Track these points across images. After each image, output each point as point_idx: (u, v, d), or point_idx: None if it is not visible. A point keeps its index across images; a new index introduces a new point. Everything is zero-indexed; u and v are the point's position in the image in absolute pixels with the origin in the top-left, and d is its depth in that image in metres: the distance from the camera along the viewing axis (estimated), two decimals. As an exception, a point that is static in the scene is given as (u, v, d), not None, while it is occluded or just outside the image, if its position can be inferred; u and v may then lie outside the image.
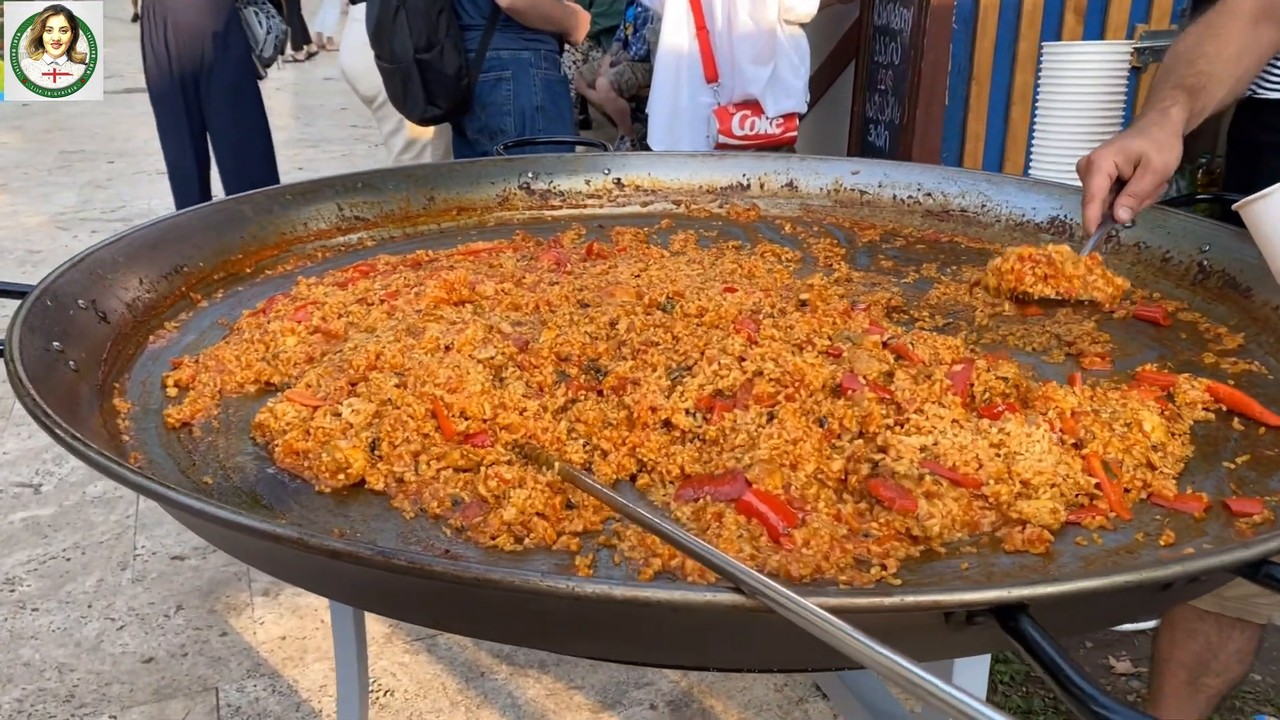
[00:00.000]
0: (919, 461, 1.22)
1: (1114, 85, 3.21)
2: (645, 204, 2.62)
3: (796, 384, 1.34)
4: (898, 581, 1.08)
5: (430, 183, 2.43)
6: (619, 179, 2.62)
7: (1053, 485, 1.21)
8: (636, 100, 7.69)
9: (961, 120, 4.56)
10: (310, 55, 17.22)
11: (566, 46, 9.60)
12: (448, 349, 1.46)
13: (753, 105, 4.38)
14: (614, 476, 1.29)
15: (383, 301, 1.67)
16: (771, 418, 1.30)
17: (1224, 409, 1.48)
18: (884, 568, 1.10)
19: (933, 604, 0.79)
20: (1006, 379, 1.42)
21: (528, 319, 1.61)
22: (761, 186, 2.63)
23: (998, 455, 1.24)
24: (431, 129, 4.82)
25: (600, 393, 1.41)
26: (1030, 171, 3.08)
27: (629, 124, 8.69)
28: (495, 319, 1.57)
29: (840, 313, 1.51)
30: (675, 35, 4.40)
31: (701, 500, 1.21)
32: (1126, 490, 1.25)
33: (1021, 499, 1.19)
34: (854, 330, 1.48)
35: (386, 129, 5.07)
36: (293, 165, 10.33)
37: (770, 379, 1.34)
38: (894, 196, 2.50)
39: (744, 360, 1.38)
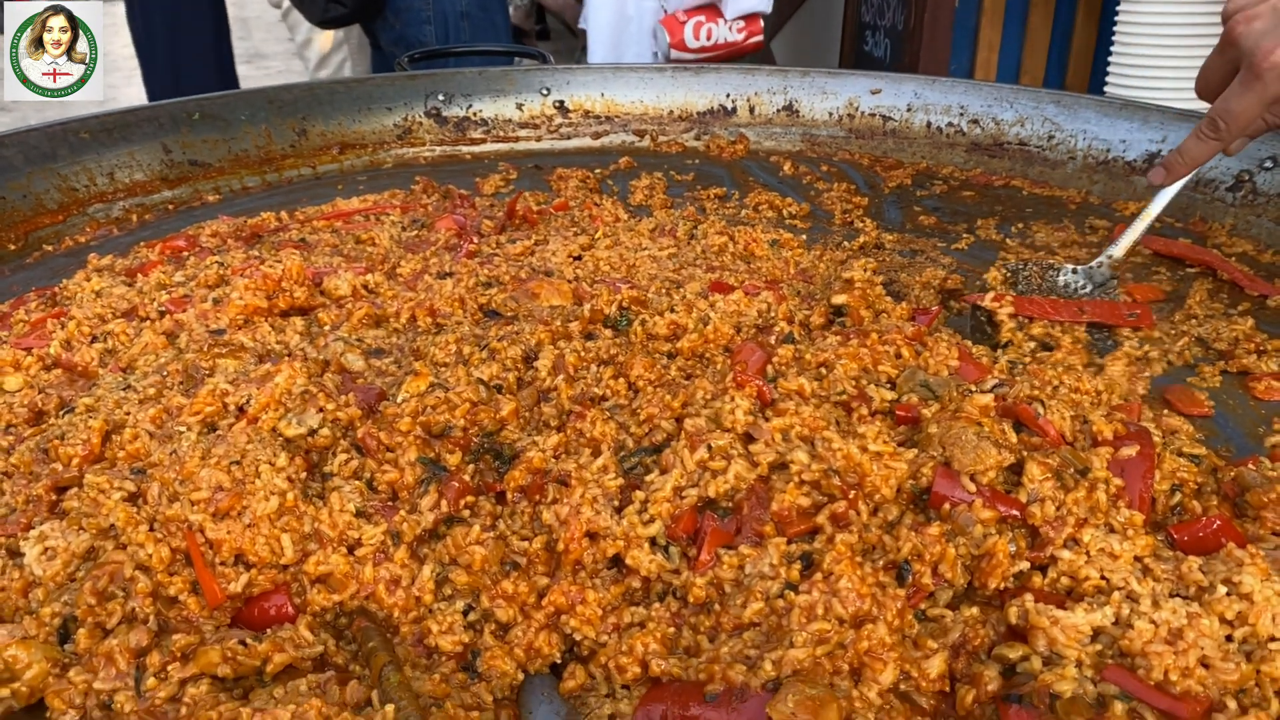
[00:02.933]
0: (1095, 668, 0.64)
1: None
2: (598, 135, 1.98)
3: (850, 491, 0.74)
4: None
5: (300, 110, 1.78)
6: (562, 102, 1.98)
7: (1340, 701, 0.64)
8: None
9: (974, 26, 3.88)
10: (248, -38, 15.94)
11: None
12: (240, 412, 0.85)
13: (707, 9, 3.63)
14: (519, 671, 0.70)
15: (164, 314, 1.04)
16: (809, 564, 0.71)
17: None
18: None
19: None
20: (1198, 459, 0.83)
21: (395, 342, 1.00)
22: (751, 110, 1.99)
23: (1230, 638, 0.66)
24: (344, 37, 4.08)
25: (501, 497, 0.80)
26: (1108, 89, 2.45)
27: (590, 34, 7.91)
28: (337, 345, 0.95)
29: (907, 337, 0.91)
30: (611, -77, 3.61)
31: (682, 751, 0.63)
32: None
33: (1291, 737, 0.62)
34: (935, 368, 0.88)
35: (299, 39, 4.31)
36: (222, 84, 9.41)
37: (803, 480, 0.75)
38: (928, 124, 1.88)
39: (753, 441, 0.79)
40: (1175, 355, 1.18)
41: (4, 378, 0.99)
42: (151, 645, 0.68)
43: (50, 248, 1.42)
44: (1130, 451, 0.77)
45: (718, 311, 0.99)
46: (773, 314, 1.00)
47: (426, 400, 0.84)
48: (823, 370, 0.88)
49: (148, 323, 1.03)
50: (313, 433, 0.82)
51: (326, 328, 1.03)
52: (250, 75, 9.83)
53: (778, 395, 0.83)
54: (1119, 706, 0.61)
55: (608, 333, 0.98)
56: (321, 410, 0.84)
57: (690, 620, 0.71)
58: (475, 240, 1.27)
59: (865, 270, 1.06)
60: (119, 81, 9.54)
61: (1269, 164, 1.49)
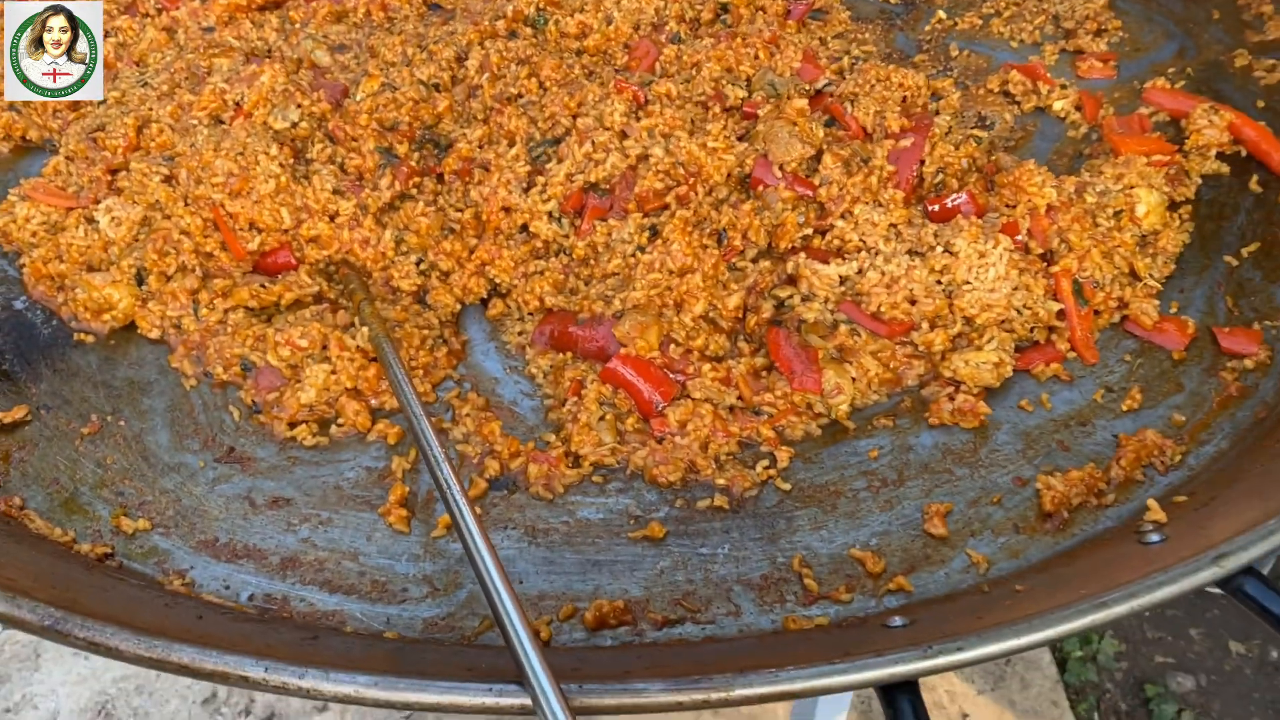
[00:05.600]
0: (835, 302, 0.95)
1: None
2: None
3: (692, 178, 1.01)
4: (786, 486, 0.87)
5: None
6: None
7: (1002, 323, 0.96)
8: None
9: None
10: None
11: None
12: (237, 108, 1.09)
13: None
14: (458, 303, 1.02)
15: (160, 11, 1.24)
16: (655, 233, 0.99)
17: (1243, 153, 1.16)
18: (773, 461, 0.89)
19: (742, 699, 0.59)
20: (980, 140, 1.08)
21: (354, 37, 1.20)
22: None
23: (939, 285, 0.97)
24: None
25: (440, 179, 1.07)
26: None
27: None
28: (307, 44, 1.17)
29: (766, 41, 1.12)
30: None
31: (562, 356, 0.96)
32: (1098, 313, 0.99)
33: (959, 349, 0.94)
34: (780, 71, 1.11)
35: None
36: None
37: (658, 170, 1.01)
38: None
39: (626, 136, 1.04)
40: (1027, 34, 1.37)
41: (39, 68, 1.21)
42: (200, 287, 0.99)
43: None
44: (906, 143, 1.03)
45: (621, 10, 1.19)
46: (668, 12, 1.20)
47: (379, 100, 1.08)
48: (693, 71, 1.11)
49: (148, 19, 1.24)
50: (294, 125, 1.07)
51: (297, 24, 1.23)
52: None
53: (650, 97, 1.07)
54: (843, 328, 0.93)
55: (528, 31, 1.19)
56: (299, 106, 1.08)
57: (574, 271, 1.01)
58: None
59: (752, -32, 1.23)
60: None
61: None
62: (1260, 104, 1.23)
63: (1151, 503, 0.79)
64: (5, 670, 2.30)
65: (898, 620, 0.71)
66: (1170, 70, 1.29)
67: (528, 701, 0.59)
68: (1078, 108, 1.23)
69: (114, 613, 0.65)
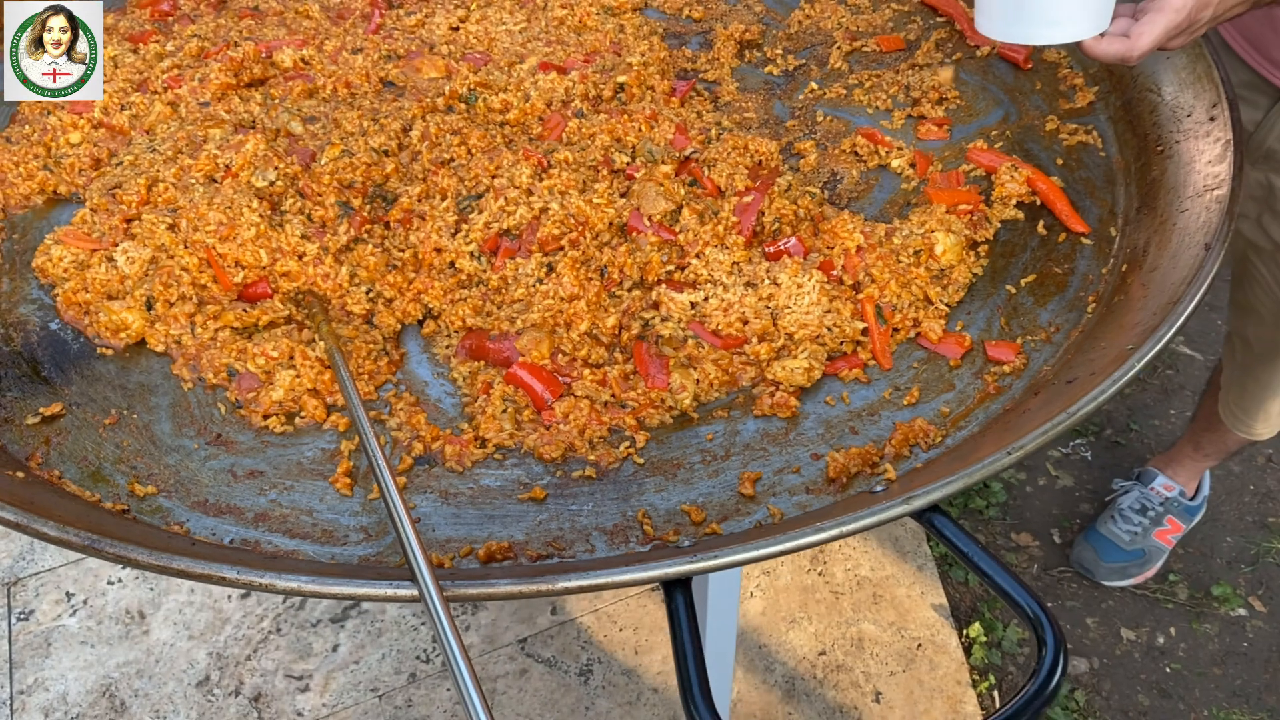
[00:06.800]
0: (686, 322, 1.24)
1: None
2: None
3: (581, 226, 1.30)
4: (641, 460, 1.15)
5: None
6: None
7: (816, 338, 1.24)
8: None
9: None
10: None
11: None
12: (227, 169, 1.38)
13: None
14: (398, 323, 1.30)
15: (166, 89, 1.53)
16: (551, 269, 1.28)
17: (1037, 202, 1.45)
18: (633, 443, 1.17)
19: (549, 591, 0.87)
20: (814, 194, 1.37)
21: (322, 110, 1.50)
22: None
23: (766, 309, 1.25)
24: None
25: (387, 226, 1.36)
26: None
27: None
28: (283, 117, 1.46)
29: (647, 117, 1.41)
30: None
31: (478, 364, 1.24)
32: (896, 330, 1.27)
33: (781, 358, 1.22)
34: (658, 141, 1.40)
35: None
36: None
37: (555, 220, 1.30)
38: None
39: (532, 194, 1.33)
40: (881, 102, 1.66)
41: (69, 134, 1.50)
42: (196, 311, 1.27)
43: None
44: (749, 199, 1.32)
45: (537, 89, 1.48)
46: (575, 91, 1.49)
47: (339, 164, 1.37)
48: (589, 140, 1.40)
49: (156, 95, 1.53)
50: (272, 183, 1.36)
51: (277, 100, 1.52)
52: None
53: (552, 163, 1.36)
54: (691, 341, 1.22)
55: (462, 106, 1.48)
56: (276, 168, 1.37)
57: (489, 298, 1.30)
58: (383, 12, 1.71)
59: (645, 54, 1.53)
60: None
61: None
62: (1059, 161, 1.53)
63: (888, 466, 1.08)
64: (20, 657, 2.56)
65: (686, 543, 0.99)
66: (994, 133, 1.59)
67: (415, 592, 0.87)
68: (912, 165, 1.52)
69: (133, 539, 0.93)
